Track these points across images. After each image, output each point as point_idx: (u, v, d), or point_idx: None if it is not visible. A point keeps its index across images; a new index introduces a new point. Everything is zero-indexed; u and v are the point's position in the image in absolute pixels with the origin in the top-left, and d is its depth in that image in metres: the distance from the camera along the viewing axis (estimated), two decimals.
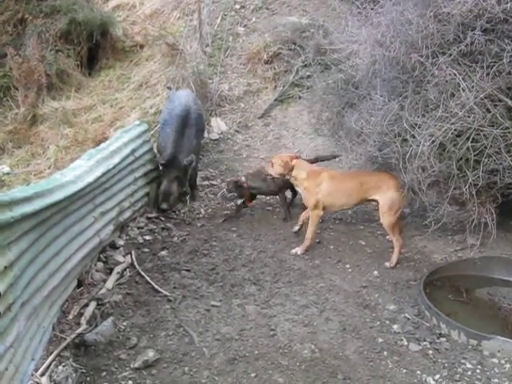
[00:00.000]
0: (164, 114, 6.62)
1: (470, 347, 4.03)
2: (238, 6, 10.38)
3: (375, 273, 5.10)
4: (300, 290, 4.79)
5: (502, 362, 3.89)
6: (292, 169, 5.40)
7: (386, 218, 5.19)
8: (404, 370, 3.82)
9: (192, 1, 10.30)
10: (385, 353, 3.99)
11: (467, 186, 4.84)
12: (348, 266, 5.24)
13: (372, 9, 5.98)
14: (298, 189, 5.68)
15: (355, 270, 5.16)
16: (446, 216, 5.09)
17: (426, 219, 5.27)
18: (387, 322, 4.37)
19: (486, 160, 4.76)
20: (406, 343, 4.11)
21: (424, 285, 4.62)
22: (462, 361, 3.91)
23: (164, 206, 6.16)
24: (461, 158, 4.88)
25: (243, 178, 6.21)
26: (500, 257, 5.19)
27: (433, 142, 4.83)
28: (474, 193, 4.86)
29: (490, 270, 5.00)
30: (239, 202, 6.33)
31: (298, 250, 5.41)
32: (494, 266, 5.03)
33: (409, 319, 4.40)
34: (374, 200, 5.34)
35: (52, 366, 3.63)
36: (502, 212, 5.27)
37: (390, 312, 4.50)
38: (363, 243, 5.68)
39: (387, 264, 5.20)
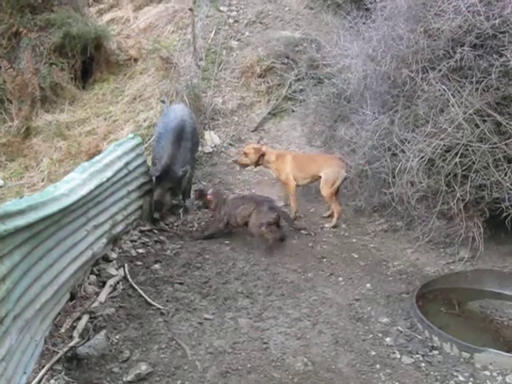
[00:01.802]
0: (159, 128, 6.64)
1: (462, 360, 4.04)
2: (231, 20, 10.47)
3: (368, 285, 5.12)
4: (293, 302, 4.79)
5: (494, 374, 3.90)
6: (263, 154, 6.45)
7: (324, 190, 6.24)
8: (397, 383, 3.82)
9: (186, 15, 10.38)
10: (377, 366, 4.00)
11: (455, 201, 4.89)
12: (341, 278, 5.26)
13: (364, 23, 6.08)
14: (270, 170, 6.68)
15: (348, 283, 5.18)
16: (434, 230, 5.13)
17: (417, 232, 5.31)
18: (380, 334, 4.38)
19: (474, 175, 4.82)
20: (398, 356, 4.12)
21: (416, 297, 4.64)
22: (455, 373, 3.92)
23: (156, 215, 6.16)
24: (449, 174, 4.93)
25: (209, 191, 6.28)
26: (492, 269, 5.23)
27: (422, 157, 4.88)
28: (461, 207, 4.91)
29: (482, 283, 5.03)
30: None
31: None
32: (486, 278, 5.06)
33: (401, 332, 4.41)
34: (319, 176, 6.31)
35: (44, 380, 3.60)
36: (493, 225, 5.31)
37: (383, 325, 4.51)
38: (356, 256, 5.71)
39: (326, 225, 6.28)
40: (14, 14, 9.60)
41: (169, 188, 6.19)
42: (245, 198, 6.23)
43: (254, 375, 3.85)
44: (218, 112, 8.83)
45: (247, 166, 6.77)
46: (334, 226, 6.26)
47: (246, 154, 6.55)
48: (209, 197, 6.16)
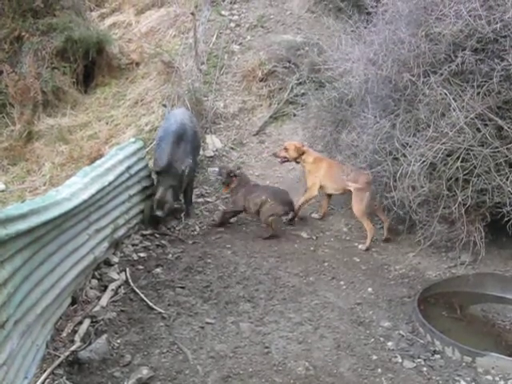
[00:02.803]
0: (160, 132, 6.66)
1: (464, 364, 4.04)
2: (233, 25, 10.47)
3: (369, 290, 5.11)
4: (294, 307, 4.79)
5: (497, 378, 3.89)
6: (303, 153, 6.50)
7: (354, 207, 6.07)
8: None
9: (188, 19, 10.39)
10: (379, 370, 3.99)
11: (456, 205, 4.88)
12: (342, 282, 5.25)
13: (365, 27, 6.08)
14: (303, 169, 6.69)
15: (349, 287, 5.17)
16: (436, 234, 5.12)
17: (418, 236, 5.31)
18: (381, 339, 4.38)
19: (476, 179, 4.81)
20: (400, 360, 4.12)
21: (418, 302, 4.64)
22: (457, 378, 3.91)
23: (159, 213, 6.15)
24: (450, 178, 4.92)
25: (237, 172, 6.59)
26: (494, 273, 5.22)
27: (423, 161, 4.88)
28: (463, 212, 4.90)
29: (483, 287, 5.03)
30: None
31: None
32: (488, 282, 5.06)
33: (403, 336, 4.41)
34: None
35: None
36: (494, 229, 5.30)
37: (385, 329, 4.51)
38: (357, 260, 5.70)
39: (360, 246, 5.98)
40: (16, 19, 9.62)
41: (170, 186, 6.20)
42: (260, 186, 6.62)
43: (256, 379, 3.84)
44: (219, 116, 8.83)
45: (286, 161, 6.78)
46: (367, 249, 5.92)
47: (286, 150, 6.62)
48: (234, 178, 6.44)
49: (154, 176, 6.46)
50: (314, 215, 6.69)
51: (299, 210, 6.48)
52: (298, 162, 6.72)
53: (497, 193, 4.81)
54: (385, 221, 6.05)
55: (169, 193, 6.21)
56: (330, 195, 6.57)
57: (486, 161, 4.78)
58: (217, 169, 6.85)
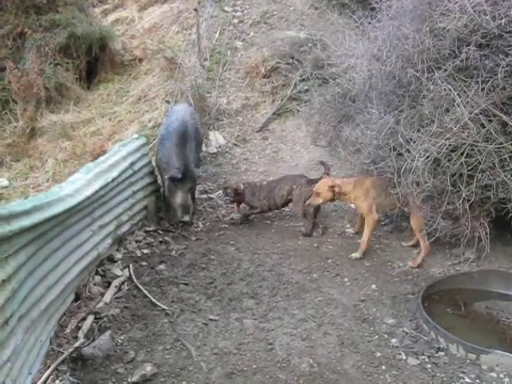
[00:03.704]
0: (161, 130, 6.65)
1: (468, 361, 4.02)
2: (236, 21, 10.46)
3: (373, 286, 5.10)
4: (298, 303, 4.78)
5: (501, 375, 3.87)
6: (340, 190, 5.70)
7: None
8: None
9: (191, 15, 10.39)
10: (383, 367, 3.98)
11: (461, 201, 4.85)
12: (346, 279, 5.24)
13: (369, 23, 6.04)
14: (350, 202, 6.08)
15: (353, 284, 5.16)
16: (439, 230, 5.11)
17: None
18: (385, 335, 4.37)
19: (480, 175, 4.78)
20: (404, 357, 4.10)
21: (422, 298, 4.62)
22: (461, 375, 3.90)
23: (186, 218, 6.19)
24: (455, 173, 4.89)
25: (242, 186, 6.46)
26: (498, 270, 5.19)
27: (427, 157, 4.85)
28: (467, 208, 4.88)
29: (488, 284, 5.00)
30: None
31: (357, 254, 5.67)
32: (492, 279, 5.03)
33: (407, 333, 4.40)
34: None
35: (49, 380, 3.61)
36: (499, 225, 5.28)
37: (389, 326, 4.50)
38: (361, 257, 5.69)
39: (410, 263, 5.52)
40: (18, 15, 9.63)
41: (189, 188, 6.22)
42: (278, 179, 6.58)
43: (260, 376, 3.84)
44: (222, 112, 8.83)
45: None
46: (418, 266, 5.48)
47: (318, 194, 5.77)
48: (240, 191, 6.40)
49: (164, 180, 6.37)
50: (349, 229, 6.27)
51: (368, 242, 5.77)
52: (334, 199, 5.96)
53: (501, 188, 4.78)
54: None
55: (189, 196, 6.23)
56: None
57: (491, 156, 4.75)
58: (221, 191, 6.81)
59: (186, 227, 6.28)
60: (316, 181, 6.08)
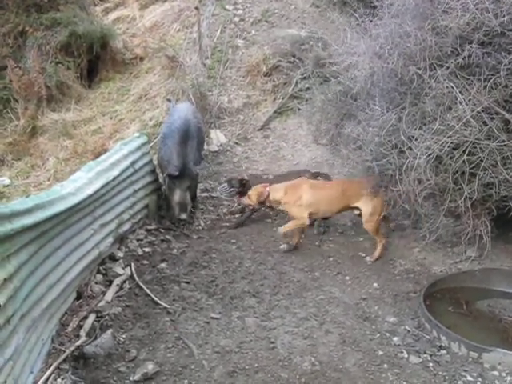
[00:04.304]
0: (163, 128, 6.65)
1: (470, 360, 4.03)
2: (237, 19, 10.44)
3: (375, 285, 5.10)
4: (300, 302, 4.78)
5: (503, 374, 3.88)
6: (268, 195, 5.69)
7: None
8: (404, 383, 3.81)
9: (192, 14, 10.37)
10: (385, 365, 3.98)
11: (463, 199, 4.85)
12: (348, 278, 5.24)
13: (371, 21, 6.02)
14: (280, 207, 5.84)
15: (355, 282, 5.16)
16: (441, 228, 5.10)
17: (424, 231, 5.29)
18: (387, 334, 4.36)
19: (482, 173, 4.77)
20: (406, 356, 4.11)
21: (424, 297, 4.62)
22: (463, 373, 3.90)
23: (183, 216, 6.17)
24: (457, 171, 4.88)
25: (246, 177, 6.47)
26: (500, 268, 5.19)
27: (429, 154, 4.84)
28: (469, 206, 4.87)
29: (490, 282, 5.01)
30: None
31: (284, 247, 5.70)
32: (494, 277, 5.03)
33: (409, 331, 4.40)
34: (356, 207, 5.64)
35: (51, 379, 3.61)
36: (501, 224, 5.27)
37: (390, 324, 4.50)
38: (363, 255, 5.68)
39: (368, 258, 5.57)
40: (19, 13, 9.61)
41: (187, 187, 6.19)
42: (283, 174, 6.60)
43: (261, 375, 3.84)
44: (223, 111, 8.82)
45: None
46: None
47: (249, 197, 5.86)
48: (245, 182, 6.36)
49: (164, 178, 6.35)
50: (368, 258, 5.63)
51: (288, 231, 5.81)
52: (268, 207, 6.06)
53: (503, 186, 4.77)
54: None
55: (187, 194, 6.21)
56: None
57: (493, 154, 4.74)
58: (225, 184, 6.66)
59: (186, 225, 6.28)
60: (320, 174, 6.23)
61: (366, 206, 5.52)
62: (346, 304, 4.77)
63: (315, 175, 6.35)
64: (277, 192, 5.69)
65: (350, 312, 4.66)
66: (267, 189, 5.76)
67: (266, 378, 3.81)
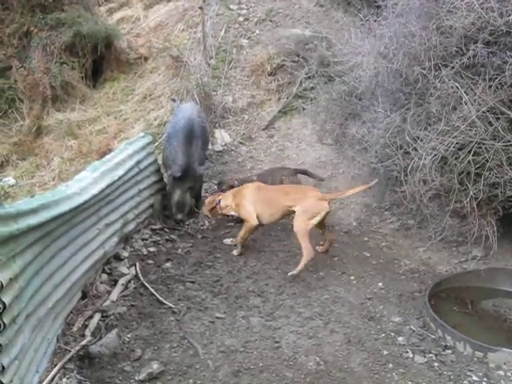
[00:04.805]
0: (168, 128, 6.65)
1: (475, 359, 4.01)
2: (241, 19, 10.43)
3: (380, 284, 5.09)
4: (304, 301, 4.78)
5: (509, 374, 3.87)
6: (219, 203, 5.84)
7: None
8: (409, 383, 3.80)
9: (196, 13, 10.35)
10: (390, 365, 3.98)
11: (468, 199, 4.84)
12: (352, 277, 5.23)
13: (375, 21, 6.03)
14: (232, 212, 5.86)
15: (360, 282, 5.15)
16: (447, 229, 5.09)
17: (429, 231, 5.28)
18: (392, 334, 4.36)
19: (488, 173, 4.77)
20: (411, 355, 4.10)
21: (429, 296, 4.61)
22: (468, 373, 3.89)
23: (179, 216, 6.17)
24: (462, 172, 4.89)
25: (236, 182, 6.41)
26: (505, 268, 5.18)
27: (434, 155, 4.84)
28: (474, 206, 4.87)
29: (495, 282, 5.00)
30: None
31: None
32: (500, 277, 5.02)
33: (414, 331, 4.39)
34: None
35: (56, 379, 3.61)
36: (506, 223, 5.27)
37: (395, 324, 4.49)
38: (368, 255, 5.68)
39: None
40: (24, 14, 9.62)
41: (189, 188, 6.19)
42: (264, 172, 6.69)
43: (266, 374, 3.84)
44: (228, 110, 8.80)
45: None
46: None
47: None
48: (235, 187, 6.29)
49: (168, 177, 6.34)
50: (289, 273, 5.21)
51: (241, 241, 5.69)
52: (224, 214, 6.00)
53: (509, 186, 4.77)
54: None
55: (187, 195, 6.21)
56: None
57: (498, 154, 4.75)
58: (216, 186, 6.75)
59: (190, 225, 6.28)
60: (300, 171, 6.46)
61: (299, 206, 5.32)
62: (350, 304, 4.77)
63: (295, 172, 6.46)
64: (226, 198, 5.84)
65: (355, 312, 4.65)
66: (219, 197, 5.90)
67: (271, 377, 3.81)
